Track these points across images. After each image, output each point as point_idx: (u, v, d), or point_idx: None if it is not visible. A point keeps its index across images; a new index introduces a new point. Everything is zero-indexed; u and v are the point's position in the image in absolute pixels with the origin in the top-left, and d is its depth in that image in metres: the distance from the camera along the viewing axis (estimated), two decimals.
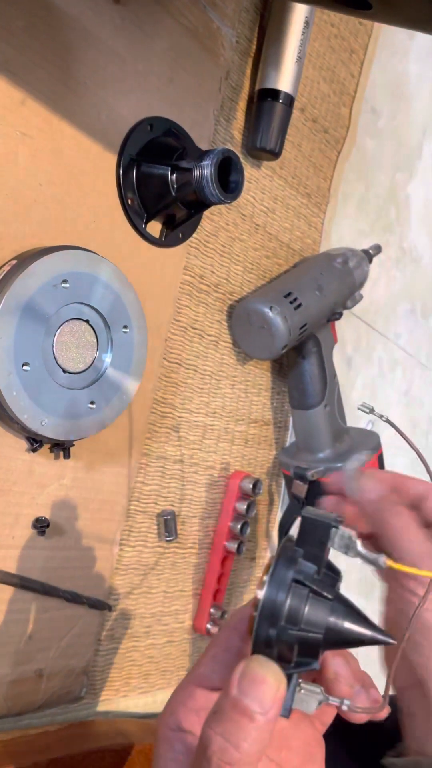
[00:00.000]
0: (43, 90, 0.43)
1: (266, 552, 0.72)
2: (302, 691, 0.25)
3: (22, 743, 0.42)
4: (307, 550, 0.25)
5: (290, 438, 0.72)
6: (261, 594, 0.24)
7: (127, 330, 0.48)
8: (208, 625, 0.62)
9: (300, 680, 0.25)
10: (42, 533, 0.47)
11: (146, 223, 0.52)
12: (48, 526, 0.47)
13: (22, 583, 0.46)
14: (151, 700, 0.59)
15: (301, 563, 0.25)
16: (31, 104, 0.43)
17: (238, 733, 0.23)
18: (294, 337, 0.60)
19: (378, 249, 0.73)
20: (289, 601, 0.24)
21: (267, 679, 0.23)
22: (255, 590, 0.25)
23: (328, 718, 0.31)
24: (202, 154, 0.48)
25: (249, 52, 0.60)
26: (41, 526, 0.47)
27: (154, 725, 0.52)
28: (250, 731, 0.23)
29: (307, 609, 0.24)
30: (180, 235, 0.55)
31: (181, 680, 0.31)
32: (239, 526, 0.63)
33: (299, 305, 0.60)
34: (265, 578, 0.25)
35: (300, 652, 0.24)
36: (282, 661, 0.24)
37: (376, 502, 0.37)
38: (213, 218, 0.59)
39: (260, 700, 0.23)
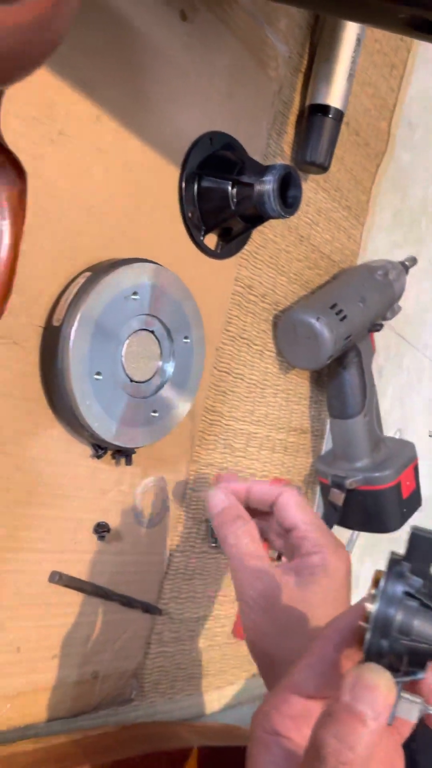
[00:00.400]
0: (117, 106, 0.44)
1: None
2: (404, 701, 0.26)
3: (89, 744, 0.43)
4: (414, 565, 0.26)
5: (326, 446, 0.74)
6: (373, 607, 0.25)
7: (188, 340, 0.49)
8: None
9: (401, 690, 0.26)
10: (102, 538, 0.48)
11: (204, 236, 0.53)
12: (109, 531, 0.48)
13: (85, 587, 0.47)
14: (195, 703, 0.60)
15: (409, 577, 0.26)
16: (105, 120, 0.44)
17: (352, 735, 0.24)
18: (339, 347, 0.61)
19: (414, 261, 0.75)
20: (400, 613, 0.25)
21: (379, 686, 0.24)
22: (365, 603, 0.26)
23: (407, 730, 0.32)
24: (263, 170, 0.49)
25: (300, 67, 0.61)
26: (102, 531, 0.48)
27: (202, 728, 0.53)
28: (363, 734, 0.24)
29: (417, 621, 0.25)
30: (234, 248, 0.56)
31: (275, 686, 0.32)
32: None
33: (344, 316, 0.61)
34: (375, 591, 0.26)
35: (409, 662, 0.25)
36: (391, 670, 0.25)
37: (218, 516, 0.43)
38: (262, 230, 0.60)
39: (372, 706, 0.24)
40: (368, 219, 0.75)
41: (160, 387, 0.48)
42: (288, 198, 0.51)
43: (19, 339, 0.41)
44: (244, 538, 0.41)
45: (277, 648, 0.39)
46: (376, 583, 0.26)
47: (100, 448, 0.46)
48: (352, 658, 0.31)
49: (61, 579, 0.45)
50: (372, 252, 0.77)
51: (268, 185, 0.49)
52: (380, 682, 0.24)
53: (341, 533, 0.79)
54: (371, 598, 0.26)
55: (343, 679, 0.25)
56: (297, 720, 0.30)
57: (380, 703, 0.24)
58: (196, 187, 0.51)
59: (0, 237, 0.34)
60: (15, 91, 0.38)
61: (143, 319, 0.46)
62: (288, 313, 0.61)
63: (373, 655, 0.25)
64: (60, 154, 0.42)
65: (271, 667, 0.39)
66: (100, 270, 0.43)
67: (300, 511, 0.43)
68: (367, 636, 0.25)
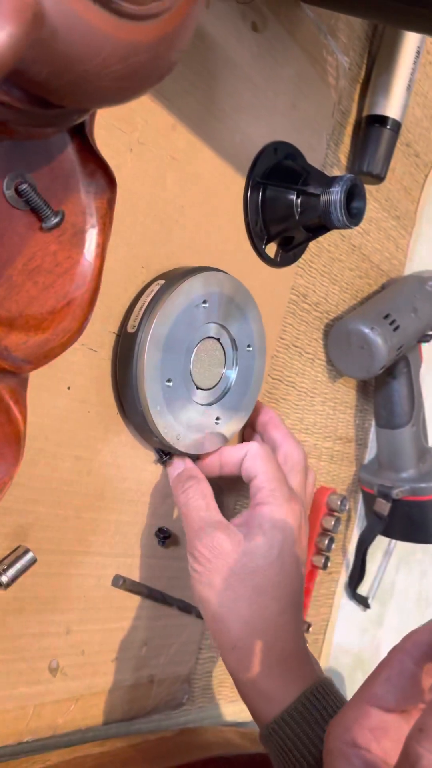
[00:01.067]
0: (191, 116, 0.45)
1: (342, 567, 0.73)
2: None
3: (149, 748, 0.44)
4: None
5: (369, 455, 0.74)
6: None
7: (250, 349, 0.49)
8: None
9: None
10: (162, 543, 0.48)
11: (266, 245, 0.53)
12: (169, 536, 0.48)
13: (145, 591, 0.47)
14: (240, 708, 0.60)
15: None
16: (180, 129, 0.44)
17: None
18: (391, 357, 0.61)
19: None
20: None
21: None
22: None
23: None
24: (329, 180, 0.50)
25: (358, 78, 0.61)
26: (163, 536, 0.48)
27: (252, 734, 0.53)
28: None
29: None
30: (292, 257, 0.56)
31: (352, 698, 0.32)
32: (326, 542, 0.64)
33: (397, 327, 0.61)
34: None
35: None
36: None
37: (173, 480, 0.45)
38: (318, 239, 0.60)
39: None
40: (415, 229, 0.75)
41: (223, 395, 0.48)
42: (352, 209, 0.51)
43: (95, 346, 0.42)
44: (192, 494, 0.43)
45: (220, 600, 0.40)
46: None
47: (165, 454, 0.46)
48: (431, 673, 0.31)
49: (124, 583, 0.45)
50: (418, 262, 0.77)
51: (335, 196, 0.49)
52: None
53: (379, 541, 0.79)
54: None
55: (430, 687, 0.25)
56: (376, 732, 0.30)
57: None
58: (260, 196, 0.51)
59: (89, 244, 0.35)
60: None
61: (212, 327, 0.46)
62: (342, 322, 0.61)
63: None
64: (138, 163, 0.42)
65: (215, 619, 0.40)
66: (173, 278, 0.43)
67: (261, 462, 0.44)
68: None
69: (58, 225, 0.33)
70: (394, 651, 0.32)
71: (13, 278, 0.32)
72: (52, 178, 0.33)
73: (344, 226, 0.50)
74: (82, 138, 0.33)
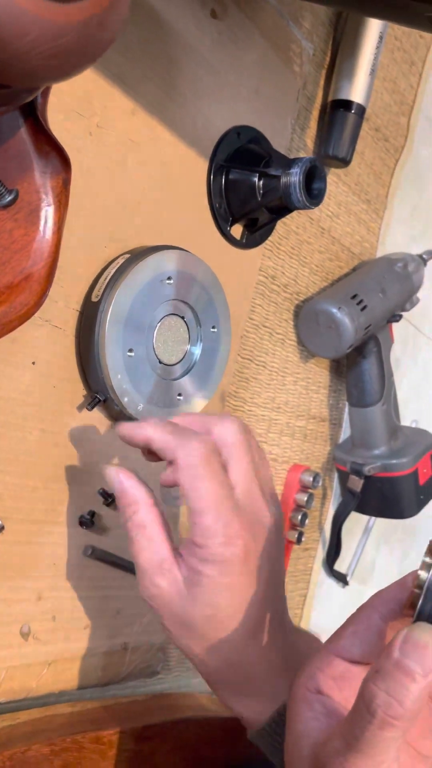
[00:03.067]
0: (151, 101, 0.46)
1: (319, 544, 0.75)
2: None
3: (120, 709, 0.46)
4: None
5: (344, 434, 0.75)
6: (426, 575, 0.27)
7: (215, 330, 0.51)
8: None
9: None
10: (109, 504, 0.50)
11: (231, 226, 0.55)
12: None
13: (115, 560, 0.49)
14: None
15: None
16: (140, 114, 0.46)
17: (401, 690, 0.25)
18: (359, 337, 0.63)
19: (431, 254, 0.76)
20: None
21: (429, 644, 0.26)
22: (418, 571, 0.28)
23: None
24: (289, 162, 0.51)
25: (323, 63, 0.63)
26: (108, 497, 0.49)
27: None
28: (413, 690, 0.25)
29: None
30: (258, 238, 0.58)
31: (319, 648, 0.34)
32: (299, 517, 0.66)
33: (365, 307, 0.63)
34: (428, 560, 0.28)
35: None
36: None
37: (121, 508, 0.40)
38: (285, 222, 0.62)
39: (422, 663, 0.26)
40: (387, 212, 0.77)
41: (186, 372, 0.50)
42: (313, 190, 0.52)
43: (59, 323, 0.43)
44: (133, 532, 0.38)
45: (178, 640, 0.38)
46: (430, 552, 0.28)
47: (108, 496, 0.47)
48: (397, 629, 0.32)
49: (93, 552, 0.47)
50: (390, 245, 0.79)
51: (294, 177, 0.50)
52: (430, 640, 0.26)
53: (358, 519, 0.81)
54: (426, 566, 0.28)
55: (394, 637, 0.27)
56: (339, 681, 0.32)
57: (429, 661, 0.26)
58: (223, 179, 0.53)
59: (45, 222, 0.37)
60: (57, 86, 0.40)
61: (175, 305, 0.48)
62: (310, 303, 0.63)
63: (423, 618, 0.27)
64: (97, 146, 0.44)
65: (182, 651, 0.39)
66: (139, 253, 0.45)
67: (193, 482, 0.37)
68: (420, 602, 0.27)
69: (12, 203, 0.34)
70: (363, 607, 0.34)
71: None
72: (6, 159, 0.34)
73: (305, 207, 0.51)
74: (35, 119, 0.35)
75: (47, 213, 0.36)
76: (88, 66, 0.27)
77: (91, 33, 0.26)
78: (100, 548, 0.48)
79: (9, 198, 0.34)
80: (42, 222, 0.36)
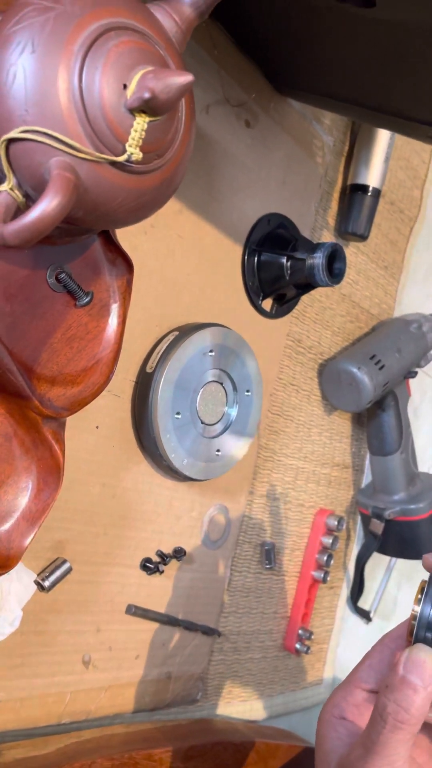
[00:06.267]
0: (195, 201, 0.55)
1: (343, 583, 0.80)
2: None
3: (167, 731, 0.52)
4: None
5: (365, 480, 0.81)
6: (418, 608, 0.33)
7: (249, 393, 0.58)
8: (297, 645, 0.70)
9: None
10: (179, 559, 0.57)
11: (262, 301, 0.62)
12: (185, 554, 0.57)
13: (153, 617, 0.55)
14: (249, 708, 0.68)
15: None
16: (186, 213, 0.54)
17: (406, 700, 0.31)
18: (378, 393, 0.70)
19: None
20: None
21: (426, 661, 0.32)
22: (413, 605, 0.34)
23: None
24: (314, 246, 0.59)
25: (342, 151, 0.71)
26: (179, 555, 0.56)
27: (259, 728, 0.61)
28: (416, 699, 0.31)
29: None
30: (286, 309, 0.65)
31: (342, 681, 0.40)
32: (325, 558, 0.72)
33: (382, 366, 0.70)
34: (420, 596, 0.34)
35: None
36: None
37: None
38: (310, 292, 0.69)
39: (422, 677, 0.32)
40: (403, 275, 0.84)
41: (224, 430, 0.57)
42: (334, 269, 0.60)
43: (118, 392, 0.51)
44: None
45: None
46: (421, 590, 0.34)
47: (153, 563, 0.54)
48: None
49: (136, 611, 0.54)
50: (407, 304, 0.86)
51: (318, 260, 0.58)
52: (427, 658, 0.32)
53: (381, 559, 0.86)
54: (417, 601, 0.34)
55: (398, 657, 0.33)
56: (359, 708, 0.38)
57: (428, 674, 0.32)
58: (256, 260, 0.61)
59: (113, 315, 0.44)
60: None
61: (216, 373, 0.55)
62: (333, 363, 0.70)
63: (420, 641, 0.33)
64: (151, 243, 0.52)
65: None
66: (185, 330, 0.53)
67: None
68: (415, 630, 0.33)
69: (89, 303, 0.42)
70: (376, 644, 0.40)
71: (54, 345, 0.42)
72: (84, 266, 0.42)
73: (327, 285, 0.59)
74: (106, 234, 0.43)
75: (114, 308, 0.44)
76: (159, 209, 0.35)
77: (163, 191, 0.33)
78: (141, 607, 0.54)
79: (86, 299, 0.42)
80: (110, 315, 0.44)
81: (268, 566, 0.67)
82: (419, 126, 0.48)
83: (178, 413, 0.52)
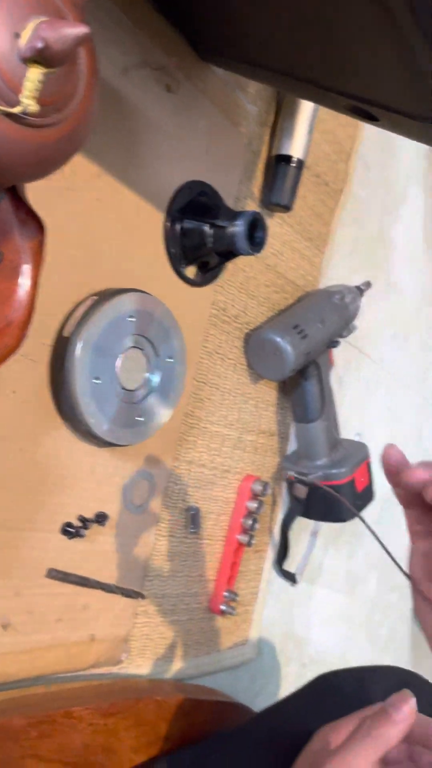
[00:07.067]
0: (114, 164, 0.54)
1: (269, 546, 0.83)
2: None
3: (91, 689, 0.53)
4: None
5: (290, 447, 0.84)
6: None
7: (171, 360, 0.59)
8: (222, 607, 0.72)
9: None
10: (102, 524, 0.57)
11: (185, 268, 0.63)
12: (107, 518, 0.57)
13: (74, 580, 0.55)
14: (175, 668, 0.69)
15: None
16: (105, 177, 0.54)
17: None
18: (300, 362, 0.71)
19: (368, 285, 0.85)
20: None
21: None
22: None
23: None
24: (235, 215, 0.59)
25: (267, 122, 0.72)
26: (101, 519, 0.57)
27: (183, 686, 0.62)
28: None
29: None
30: (210, 277, 0.66)
31: None
32: (250, 522, 0.74)
33: (305, 335, 0.71)
34: None
35: None
36: None
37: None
38: (234, 261, 0.70)
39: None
40: (329, 248, 0.86)
41: (146, 396, 0.57)
42: (256, 238, 0.61)
43: (36, 357, 0.51)
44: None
45: None
46: None
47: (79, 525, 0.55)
48: None
49: (57, 574, 0.54)
50: (333, 277, 0.88)
51: (239, 228, 0.59)
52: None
53: (308, 524, 0.89)
54: None
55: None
56: None
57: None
58: (178, 228, 0.61)
59: (24, 277, 0.44)
60: None
61: (136, 339, 0.55)
62: (257, 332, 0.71)
63: None
64: (67, 205, 0.51)
65: None
66: (105, 295, 0.53)
67: None
68: None
69: None
70: None
71: None
72: None
73: (248, 253, 0.60)
74: (14, 193, 0.42)
75: (26, 269, 0.44)
76: (63, 165, 0.35)
77: (64, 147, 0.33)
78: (62, 571, 0.54)
79: None
80: (22, 277, 0.43)
81: (193, 531, 0.68)
82: (335, 96, 0.49)
83: (97, 378, 0.52)
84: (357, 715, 0.45)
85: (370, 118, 0.49)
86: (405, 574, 0.41)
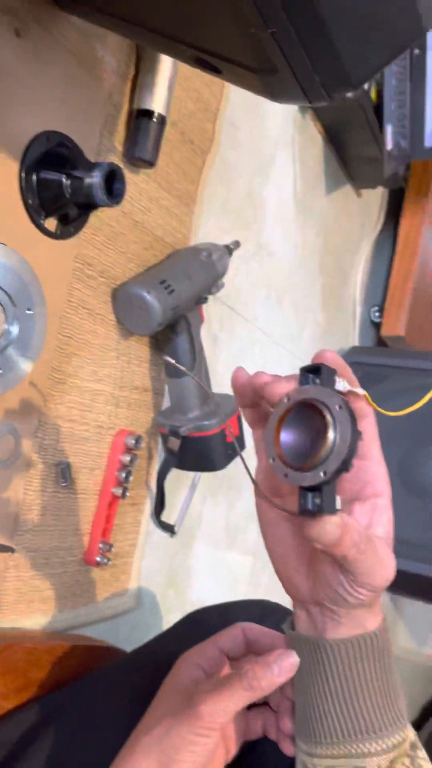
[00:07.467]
0: None
1: (146, 499, 0.85)
2: None
3: None
4: None
5: (165, 403, 0.86)
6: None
7: (31, 312, 0.59)
8: (98, 558, 0.74)
9: None
10: None
11: (44, 220, 0.62)
12: None
13: None
14: (50, 620, 0.70)
15: None
16: None
17: (264, 677, 0.39)
18: (167, 316, 0.73)
19: (237, 244, 0.88)
20: None
21: (293, 665, 0.40)
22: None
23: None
24: (92, 166, 0.60)
25: (128, 75, 0.71)
26: None
27: (55, 634, 0.64)
28: (270, 680, 0.40)
29: None
30: (72, 230, 0.66)
31: (207, 639, 0.47)
32: (123, 475, 0.75)
33: (172, 290, 0.73)
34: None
35: None
36: None
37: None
38: (99, 215, 0.70)
39: (280, 665, 0.40)
40: (198, 207, 0.87)
41: (5, 348, 0.57)
42: (114, 189, 0.61)
43: None
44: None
45: None
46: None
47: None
48: None
49: None
50: (203, 236, 0.90)
51: (96, 179, 0.59)
52: (294, 663, 0.40)
53: (187, 477, 0.92)
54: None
55: (274, 655, 0.40)
56: (210, 660, 0.46)
57: (286, 669, 0.40)
58: (35, 178, 0.60)
59: None
60: None
61: None
62: (123, 287, 0.72)
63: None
64: None
65: None
66: None
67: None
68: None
69: None
70: (236, 626, 0.48)
71: None
72: None
73: (106, 204, 0.60)
74: None
75: None
76: None
77: None
78: None
79: None
80: None
81: (64, 484, 0.69)
82: (181, 47, 0.50)
83: None
84: (214, 639, 0.48)
85: (214, 70, 0.50)
86: (253, 480, 0.44)
